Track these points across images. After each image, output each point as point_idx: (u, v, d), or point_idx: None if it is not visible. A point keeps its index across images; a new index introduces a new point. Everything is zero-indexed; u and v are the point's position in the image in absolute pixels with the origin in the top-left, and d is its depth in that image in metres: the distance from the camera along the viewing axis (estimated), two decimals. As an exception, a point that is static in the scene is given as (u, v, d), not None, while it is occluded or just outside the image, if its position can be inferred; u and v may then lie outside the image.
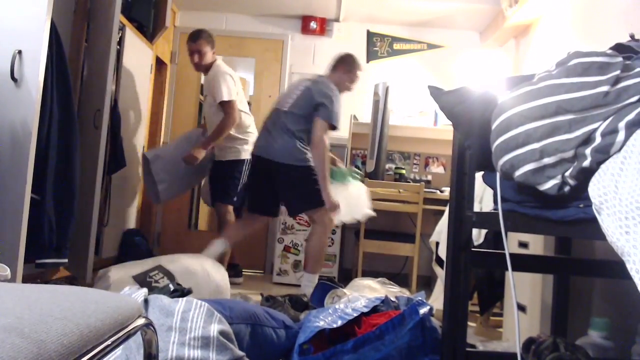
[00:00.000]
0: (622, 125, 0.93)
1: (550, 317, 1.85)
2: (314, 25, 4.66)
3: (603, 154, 0.95)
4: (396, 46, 4.71)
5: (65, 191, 2.49)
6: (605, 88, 0.99)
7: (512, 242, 2.13)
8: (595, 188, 0.94)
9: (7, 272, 1.22)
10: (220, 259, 3.20)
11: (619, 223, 0.85)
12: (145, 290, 1.64)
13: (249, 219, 3.37)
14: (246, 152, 3.57)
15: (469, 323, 2.23)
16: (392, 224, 4.32)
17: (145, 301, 1.58)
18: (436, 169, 4.61)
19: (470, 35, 4.66)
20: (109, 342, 0.61)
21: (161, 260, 2.73)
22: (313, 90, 3.13)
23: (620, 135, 0.92)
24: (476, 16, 4.33)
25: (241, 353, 1.62)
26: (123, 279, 2.48)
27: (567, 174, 1.05)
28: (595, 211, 0.94)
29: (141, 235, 4.03)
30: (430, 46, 4.69)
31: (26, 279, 2.28)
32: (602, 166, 0.95)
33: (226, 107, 3.44)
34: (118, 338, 0.63)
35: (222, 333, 1.60)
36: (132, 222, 4.14)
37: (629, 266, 0.83)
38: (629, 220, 0.83)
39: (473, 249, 1.58)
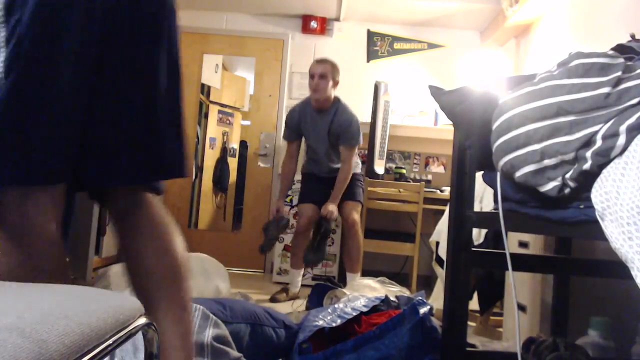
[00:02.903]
0: (622, 129, 0.93)
1: (550, 317, 1.85)
2: (314, 24, 4.66)
3: (603, 157, 0.95)
4: (396, 46, 4.71)
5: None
6: (606, 89, 0.99)
7: (512, 242, 2.13)
8: (598, 194, 0.93)
9: (8, 271, 1.22)
10: None
11: (621, 229, 0.84)
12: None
13: None
14: None
15: (469, 323, 2.23)
16: (392, 223, 4.31)
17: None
18: (436, 168, 4.62)
19: (471, 35, 4.66)
20: (110, 341, 0.61)
21: (161, 260, 2.72)
22: None
23: (621, 139, 0.92)
24: (476, 16, 4.33)
25: (238, 354, 1.61)
26: (123, 278, 2.48)
27: (567, 176, 1.04)
28: (598, 217, 0.94)
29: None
30: (431, 46, 4.69)
31: (26, 278, 2.28)
32: (604, 172, 0.94)
33: None
34: (119, 337, 0.63)
35: (216, 338, 1.58)
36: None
37: (633, 273, 0.82)
38: (631, 226, 0.83)
39: (473, 249, 1.58)
